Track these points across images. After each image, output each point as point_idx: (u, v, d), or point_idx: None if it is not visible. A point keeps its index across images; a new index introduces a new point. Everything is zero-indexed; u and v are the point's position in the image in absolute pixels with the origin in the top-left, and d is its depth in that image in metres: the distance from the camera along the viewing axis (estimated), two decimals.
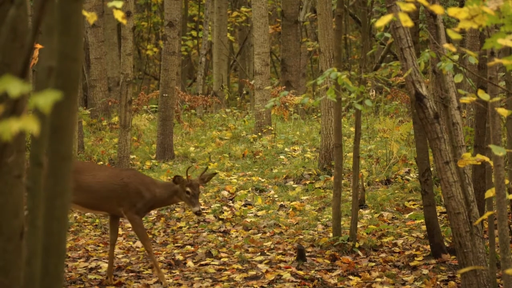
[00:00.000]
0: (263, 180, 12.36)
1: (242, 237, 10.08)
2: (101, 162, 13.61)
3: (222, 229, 10.46)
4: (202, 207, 10.89)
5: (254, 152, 13.76)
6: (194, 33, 27.72)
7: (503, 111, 4.74)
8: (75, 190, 8.16)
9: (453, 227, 7.00)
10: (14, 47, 3.39)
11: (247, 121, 16.36)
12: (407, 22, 3.71)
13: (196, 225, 10.69)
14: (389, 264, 8.96)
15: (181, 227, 10.63)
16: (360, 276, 8.51)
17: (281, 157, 13.58)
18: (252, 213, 11.05)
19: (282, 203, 11.34)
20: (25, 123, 2.57)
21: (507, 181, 5.35)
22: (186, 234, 10.30)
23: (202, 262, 9.11)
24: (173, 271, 8.82)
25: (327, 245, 9.39)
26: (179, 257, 9.27)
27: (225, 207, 11.26)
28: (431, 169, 9.59)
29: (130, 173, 8.58)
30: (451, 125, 7.14)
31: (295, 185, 12.05)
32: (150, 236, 10.15)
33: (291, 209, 11.04)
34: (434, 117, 6.90)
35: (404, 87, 16.56)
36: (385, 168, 12.35)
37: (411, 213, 10.65)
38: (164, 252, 9.49)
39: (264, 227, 10.41)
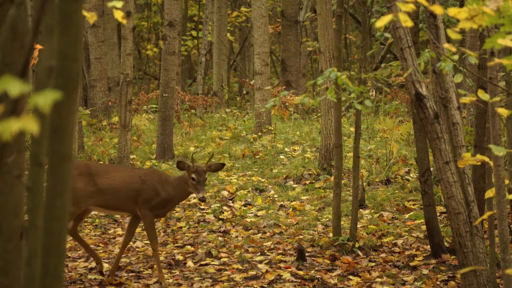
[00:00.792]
0: (263, 180, 12.36)
1: (242, 237, 10.07)
2: (101, 162, 13.60)
3: (222, 229, 10.46)
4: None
5: (254, 152, 13.75)
6: (194, 33, 27.71)
7: (503, 111, 4.74)
8: (95, 193, 8.20)
9: (453, 227, 7.00)
10: (14, 47, 3.39)
11: (247, 121, 16.36)
12: (407, 22, 3.71)
13: (196, 225, 10.69)
14: (389, 264, 8.95)
15: (181, 227, 10.62)
16: (360, 276, 8.51)
17: (281, 157, 13.58)
18: (252, 213, 11.04)
19: (282, 203, 11.33)
20: (25, 123, 2.57)
21: (507, 181, 5.35)
22: (186, 234, 10.30)
23: (202, 262, 9.10)
24: (173, 271, 8.82)
25: (327, 245, 9.39)
26: (179, 257, 9.26)
27: (225, 207, 11.25)
28: (431, 169, 9.59)
29: (148, 171, 8.66)
30: (451, 125, 7.14)
31: (295, 185, 12.05)
32: None
33: (291, 209, 11.03)
34: (434, 117, 6.90)
35: (404, 87, 16.55)
36: (385, 168, 12.35)
37: (411, 213, 10.64)
38: (164, 252, 9.49)
39: (264, 227, 10.41)
